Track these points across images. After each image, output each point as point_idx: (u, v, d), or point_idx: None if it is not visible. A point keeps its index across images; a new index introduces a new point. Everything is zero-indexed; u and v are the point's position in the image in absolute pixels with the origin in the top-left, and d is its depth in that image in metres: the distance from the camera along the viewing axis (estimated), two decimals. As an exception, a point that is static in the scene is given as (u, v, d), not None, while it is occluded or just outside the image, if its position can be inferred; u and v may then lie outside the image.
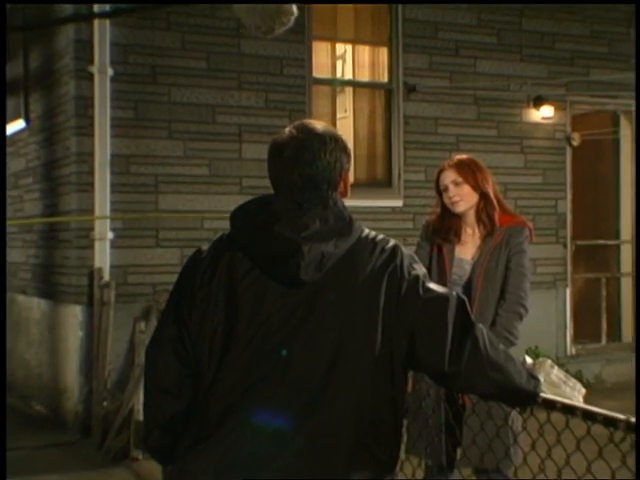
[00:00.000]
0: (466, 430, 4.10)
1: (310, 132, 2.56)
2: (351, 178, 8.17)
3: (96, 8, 7.78)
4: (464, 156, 4.57)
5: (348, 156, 2.62)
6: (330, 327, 2.40)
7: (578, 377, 8.94)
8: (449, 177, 4.40)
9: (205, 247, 2.60)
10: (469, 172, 4.39)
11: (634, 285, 10.51)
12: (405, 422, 3.96)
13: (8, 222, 9.45)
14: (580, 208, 10.16)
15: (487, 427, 3.85)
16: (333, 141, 2.56)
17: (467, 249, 4.43)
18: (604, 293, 10.44)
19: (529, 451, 3.41)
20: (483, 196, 4.40)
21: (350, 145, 8.37)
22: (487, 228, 4.39)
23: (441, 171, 4.46)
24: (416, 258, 2.58)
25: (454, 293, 2.53)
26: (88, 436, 7.68)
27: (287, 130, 2.58)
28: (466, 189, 4.38)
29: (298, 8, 8.26)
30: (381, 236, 2.53)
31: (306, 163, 2.50)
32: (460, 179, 4.37)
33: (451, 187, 4.37)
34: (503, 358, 2.53)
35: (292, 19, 2.53)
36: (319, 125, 2.61)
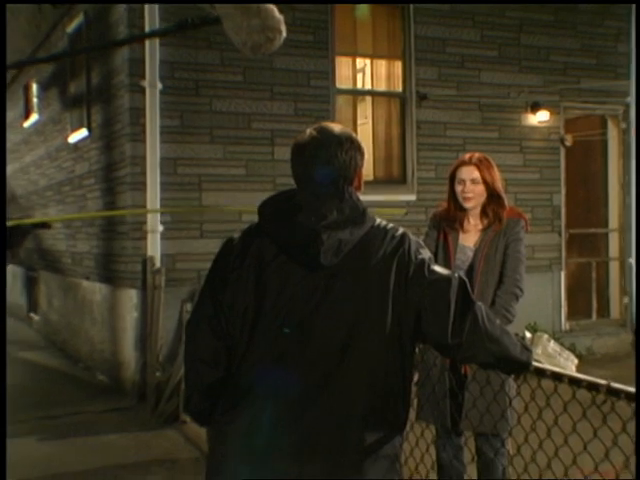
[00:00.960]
0: (467, 396, 4.12)
1: (328, 133, 2.56)
2: (371, 176, 8.25)
3: (147, 29, 7.81)
4: (481, 154, 4.46)
5: (362, 155, 2.60)
6: (346, 305, 2.41)
7: (571, 349, 8.93)
8: (469, 173, 4.32)
9: (236, 236, 2.60)
10: (487, 172, 4.32)
11: (620, 268, 10.47)
12: (414, 389, 3.99)
13: (70, 216, 9.48)
14: (573, 201, 10.12)
15: (485, 393, 3.86)
16: (348, 141, 2.55)
17: (470, 237, 4.40)
18: (594, 275, 10.40)
19: (522, 413, 3.44)
20: (492, 195, 4.36)
21: (369, 147, 8.41)
22: (490, 222, 4.37)
23: (461, 165, 4.37)
24: (422, 244, 2.58)
25: (456, 275, 2.52)
26: (143, 402, 7.76)
27: (308, 132, 2.58)
28: (480, 188, 4.31)
29: (322, 27, 8.35)
30: (391, 225, 2.53)
31: (324, 161, 2.50)
32: (479, 177, 4.30)
33: (468, 183, 4.31)
34: (499, 332, 2.53)
35: (280, 37, 2.47)
36: (336, 127, 2.62)
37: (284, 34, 2.48)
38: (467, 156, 4.44)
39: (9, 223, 2.22)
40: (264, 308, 2.45)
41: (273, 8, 2.47)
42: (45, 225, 2.75)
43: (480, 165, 4.34)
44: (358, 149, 2.58)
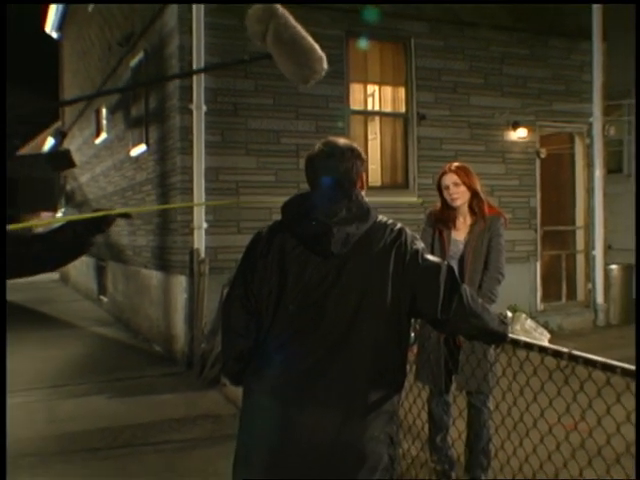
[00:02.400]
0: (460, 361, 4.14)
1: (333, 146, 2.57)
2: (379, 182, 8.24)
3: (195, 65, 7.85)
4: (459, 163, 4.49)
5: (362, 161, 2.60)
6: (353, 287, 2.42)
7: (545, 326, 8.89)
8: (450, 179, 4.32)
9: (263, 231, 2.62)
10: (465, 176, 4.32)
11: (585, 259, 10.42)
12: (412, 357, 4.01)
13: (141, 209, 9.50)
14: (546, 203, 10.05)
15: (471, 360, 3.87)
16: (349, 151, 2.56)
17: (460, 233, 4.39)
18: (564, 265, 10.35)
19: (501, 376, 3.45)
20: (474, 194, 4.37)
21: (378, 159, 8.43)
22: (476, 217, 4.37)
23: (443, 174, 4.38)
24: (417, 236, 2.58)
25: (445, 262, 2.53)
26: (191, 368, 7.79)
27: (317, 145, 2.61)
28: (462, 188, 4.31)
29: (338, 59, 8.36)
30: (391, 221, 2.54)
31: (330, 168, 2.52)
32: (459, 181, 4.30)
33: (451, 187, 4.31)
34: (481, 309, 2.53)
35: (323, 72, 2.49)
36: (340, 140, 2.62)
37: (325, 68, 2.50)
38: (447, 166, 4.44)
39: (99, 213, 2.22)
40: (285, 289, 2.46)
41: (315, 46, 2.47)
42: (127, 215, 2.77)
43: (458, 171, 4.35)
44: (358, 157, 2.59)
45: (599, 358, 2.60)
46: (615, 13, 10.57)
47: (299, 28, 2.44)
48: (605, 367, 2.57)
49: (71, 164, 12.30)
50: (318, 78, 2.46)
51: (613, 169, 12.03)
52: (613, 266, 10.50)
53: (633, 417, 2.65)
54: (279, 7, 2.43)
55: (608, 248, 10.52)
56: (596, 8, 10.15)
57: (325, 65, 2.43)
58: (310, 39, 2.45)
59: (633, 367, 2.47)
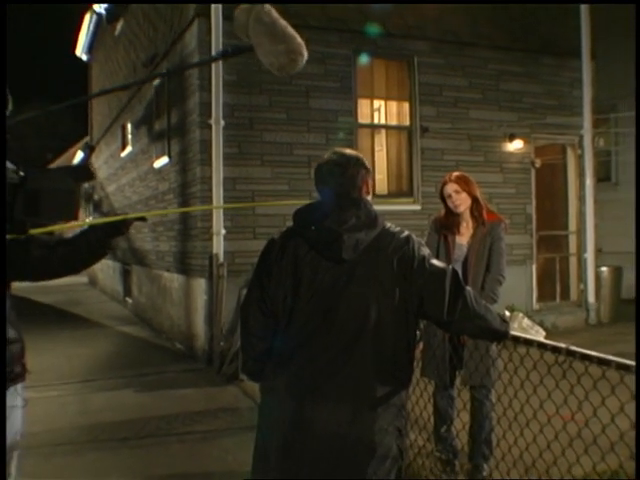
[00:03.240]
0: (465, 358, 4.13)
1: (340, 155, 2.59)
2: (385, 190, 8.21)
3: (214, 82, 7.88)
4: (458, 173, 4.48)
5: (367, 169, 2.60)
6: (363, 290, 2.41)
7: (540, 324, 8.78)
8: (452, 188, 4.31)
9: (276, 237, 2.60)
10: (464, 184, 4.30)
11: (577, 262, 10.37)
12: (418, 355, 3.99)
13: (145, 214, 9.54)
14: (541, 210, 10.01)
15: (474, 356, 3.86)
16: (354, 160, 2.57)
17: (464, 237, 4.37)
18: (558, 267, 10.28)
19: (502, 371, 3.44)
20: (474, 200, 4.36)
21: (384, 169, 8.38)
22: (477, 221, 4.36)
23: (445, 183, 4.37)
24: (423, 243, 2.57)
25: (450, 267, 2.51)
26: (210, 365, 7.76)
27: (326, 155, 2.62)
28: (463, 195, 4.30)
29: (347, 76, 8.37)
30: (398, 228, 2.53)
31: (338, 176, 2.53)
32: (460, 189, 4.29)
33: (453, 195, 4.30)
34: (484, 310, 2.52)
35: (302, 59, 2.42)
36: (346, 151, 2.64)
37: (305, 56, 2.44)
38: (447, 177, 4.43)
39: (118, 218, 2.22)
40: (299, 292, 2.45)
41: (295, 34, 2.44)
42: (143, 219, 2.77)
43: (458, 180, 4.33)
44: (363, 165, 2.59)
45: (595, 353, 2.59)
46: (602, 34, 10.59)
47: (282, 20, 2.42)
48: (601, 362, 2.56)
49: (91, 176, 12.41)
50: (296, 63, 2.40)
51: (602, 178, 11.99)
52: (603, 268, 10.47)
53: (626, 408, 2.64)
54: (264, 4, 2.42)
55: (599, 251, 10.48)
56: (585, 29, 10.16)
57: (305, 54, 2.39)
58: (292, 29, 2.42)
59: (627, 361, 2.46)
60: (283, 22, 2.43)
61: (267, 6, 2.44)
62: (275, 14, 2.42)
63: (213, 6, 7.86)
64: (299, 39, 2.41)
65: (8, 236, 2.17)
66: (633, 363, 2.42)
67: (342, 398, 2.37)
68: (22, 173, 2.22)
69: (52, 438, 5.32)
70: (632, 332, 8.92)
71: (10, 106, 2.45)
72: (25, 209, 2.14)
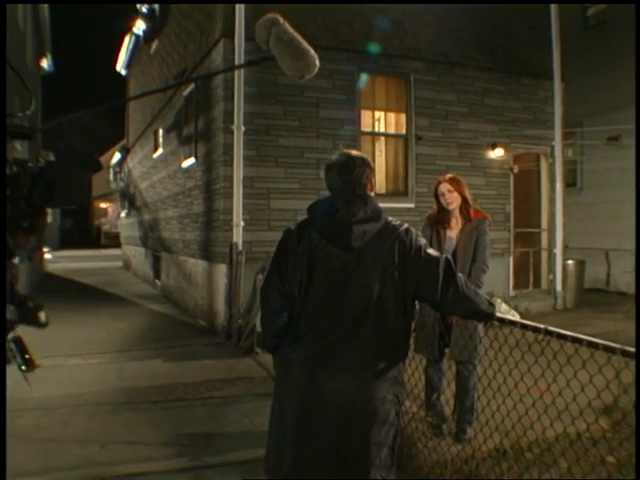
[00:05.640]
0: (453, 336, 4.12)
1: (347, 156, 2.56)
2: (384, 190, 8.16)
3: (236, 94, 7.86)
4: (452, 174, 4.44)
5: (371, 169, 2.58)
6: (369, 275, 2.40)
7: (515, 309, 8.83)
8: (445, 187, 4.29)
9: (292, 227, 2.59)
10: (456, 184, 4.29)
11: (548, 255, 10.34)
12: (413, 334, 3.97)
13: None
14: (518, 210, 9.98)
15: (464, 334, 3.85)
16: (360, 160, 2.55)
17: (453, 231, 4.35)
18: (531, 260, 10.25)
19: (488, 348, 3.43)
20: (464, 199, 4.33)
21: (383, 172, 8.32)
22: (466, 218, 4.34)
23: (439, 184, 4.36)
24: (420, 234, 2.57)
25: (444, 256, 2.51)
26: (229, 339, 7.76)
27: (334, 156, 2.60)
28: (455, 195, 4.28)
29: (352, 90, 8.35)
30: (399, 222, 2.53)
31: (346, 174, 2.50)
32: (452, 188, 4.28)
33: (446, 193, 4.28)
34: (473, 293, 2.51)
35: (314, 68, 2.40)
36: (353, 151, 2.62)
37: (317, 65, 2.43)
38: (442, 177, 4.42)
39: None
40: (313, 277, 2.44)
41: (309, 47, 2.42)
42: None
43: (451, 181, 4.32)
44: (368, 165, 2.57)
45: (569, 333, 2.58)
46: (571, 59, 10.61)
47: (296, 34, 2.41)
48: (574, 340, 2.56)
49: (99, 167, 12.55)
50: (313, 72, 2.39)
51: (570, 183, 11.97)
52: (569, 261, 10.46)
53: (595, 379, 2.63)
54: (279, 17, 2.40)
55: (566, 247, 10.46)
56: (556, 54, 10.14)
57: (317, 62, 2.37)
58: (305, 43, 2.41)
59: (597, 340, 2.45)
60: (298, 37, 2.42)
61: (284, 24, 2.43)
62: (291, 30, 2.40)
63: (237, 28, 7.82)
64: (312, 51, 2.41)
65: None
66: (604, 342, 2.40)
67: (350, 370, 2.37)
68: (42, 162, 2.21)
69: (95, 399, 5.34)
70: (592, 316, 9.04)
71: (33, 107, 2.42)
72: (42, 195, 2.13)
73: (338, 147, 8.01)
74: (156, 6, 12.86)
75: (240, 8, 7.87)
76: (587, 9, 13.11)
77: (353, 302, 2.39)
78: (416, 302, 2.60)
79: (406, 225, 2.52)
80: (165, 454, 4.13)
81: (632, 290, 11.06)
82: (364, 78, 8.73)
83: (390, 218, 2.52)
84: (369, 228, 2.41)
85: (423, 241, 2.51)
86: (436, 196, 4.40)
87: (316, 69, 2.36)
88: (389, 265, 2.41)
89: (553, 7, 10.17)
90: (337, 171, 2.53)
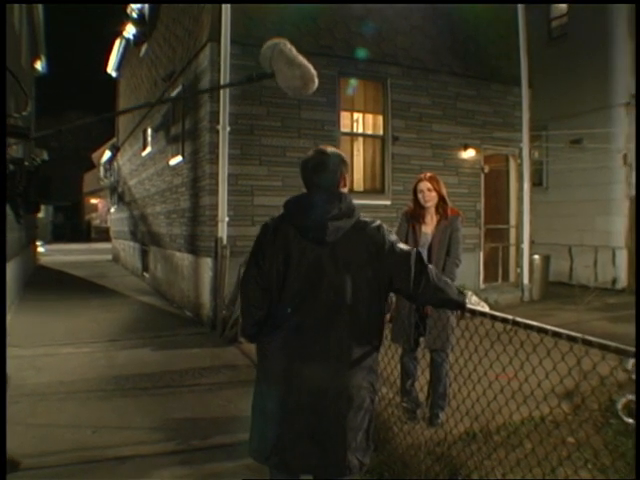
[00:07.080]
0: (428, 326, 4.15)
1: (322, 153, 2.48)
2: (362, 188, 8.15)
3: (221, 95, 7.81)
4: (431, 174, 4.42)
5: (346, 165, 2.51)
6: (342, 267, 2.36)
7: (485, 301, 8.82)
8: (425, 186, 4.29)
9: (269, 222, 2.53)
10: (436, 183, 4.29)
11: (516, 250, 10.43)
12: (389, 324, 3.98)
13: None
14: (488, 207, 10.05)
15: (437, 325, 3.88)
16: (335, 157, 2.48)
17: (429, 227, 4.36)
18: (500, 255, 10.34)
19: (459, 337, 3.45)
20: (441, 198, 4.34)
21: (361, 170, 8.31)
22: (442, 215, 4.35)
23: (420, 180, 4.34)
24: (392, 231, 2.52)
25: (414, 250, 2.47)
26: (214, 329, 7.73)
27: (310, 152, 2.53)
28: (433, 194, 4.28)
29: (332, 92, 8.34)
30: (371, 219, 2.48)
31: (321, 170, 2.44)
32: (432, 187, 4.28)
33: (425, 192, 4.28)
34: (444, 284, 2.48)
35: (313, 85, 2.39)
36: (329, 148, 2.52)
37: (316, 83, 2.40)
38: (422, 175, 4.40)
39: None
40: (290, 269, 2.40)
41: (310, 66, 2.41)
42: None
43: (431, 180, 4.32)
44: (342, 162, 2.50)
45: (535, 323, 2.59)
46: (537, 68, 10.71)
47: (300, 55, 2.40)
48: (540, 330, 2.56)
49: (92, 165, 12.37)
50: (311, 90, 2.37)
51: (536, 183, 12.08)
52: (536, 256, 10.56)
53: (558, 367, 2.66)
54: (286, 41, 2.40)
55: (532, 242, 10.56)
56: (524, 63, 10.23)
57: (316, 81, 2.35)
58: (307, 62, 2.40)
59: (561, 330, 2.47)
60: (301, 57, 2.41)
61: (288, 44, 2.43)
62: (295, 50, 2.39)
63: (223, 32, 7.79)
64: (313, 70, 2.39)
65: None
66: (579, 335, 2.43)
67: (326, 359, 2.34)
68: (38, 161, 2.19)
69: (87, 386, 5.29)
70: (557, 307, 9.16)
71: (29, 107, 2.40)
72: (38, 192, 2.11)
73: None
74: (146, 11, 12.72)
75: (227, 12, 7.83)
76: (551, 21, 13.25)
77: (327, 294, 2.35)
78: (392, 295, 2.58)
79: (378, 222, 2.48)
80: (154, 438, 4.11)
81: (592, 283, 11.26)
82: (344, 82, 8.72)
83: (362, 214, 2.49)
84: (343, 224, 2.37)
85: (394, 237, 2.48)
86: (414, 192, 4.39)
87: (312, 85, 2.34)
88: (362, 259, 2.38)
89: (520, 18, 10.29)
90: (312, 168, 2.46)
